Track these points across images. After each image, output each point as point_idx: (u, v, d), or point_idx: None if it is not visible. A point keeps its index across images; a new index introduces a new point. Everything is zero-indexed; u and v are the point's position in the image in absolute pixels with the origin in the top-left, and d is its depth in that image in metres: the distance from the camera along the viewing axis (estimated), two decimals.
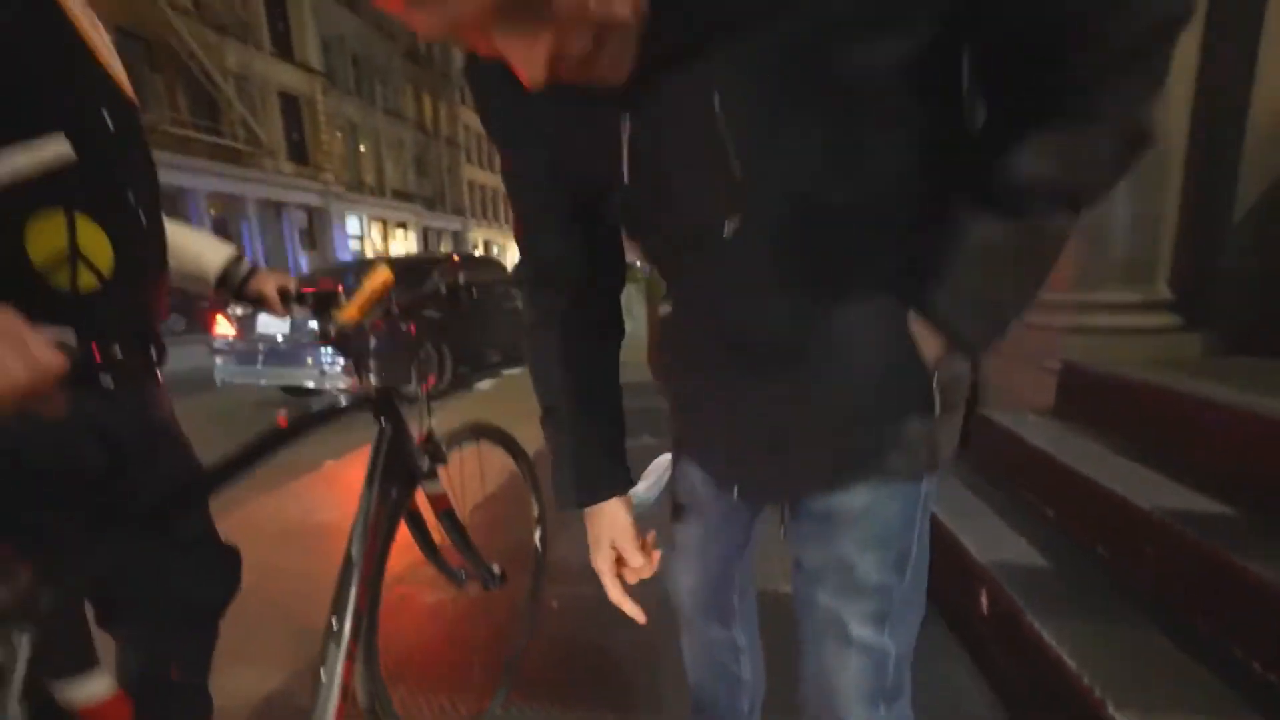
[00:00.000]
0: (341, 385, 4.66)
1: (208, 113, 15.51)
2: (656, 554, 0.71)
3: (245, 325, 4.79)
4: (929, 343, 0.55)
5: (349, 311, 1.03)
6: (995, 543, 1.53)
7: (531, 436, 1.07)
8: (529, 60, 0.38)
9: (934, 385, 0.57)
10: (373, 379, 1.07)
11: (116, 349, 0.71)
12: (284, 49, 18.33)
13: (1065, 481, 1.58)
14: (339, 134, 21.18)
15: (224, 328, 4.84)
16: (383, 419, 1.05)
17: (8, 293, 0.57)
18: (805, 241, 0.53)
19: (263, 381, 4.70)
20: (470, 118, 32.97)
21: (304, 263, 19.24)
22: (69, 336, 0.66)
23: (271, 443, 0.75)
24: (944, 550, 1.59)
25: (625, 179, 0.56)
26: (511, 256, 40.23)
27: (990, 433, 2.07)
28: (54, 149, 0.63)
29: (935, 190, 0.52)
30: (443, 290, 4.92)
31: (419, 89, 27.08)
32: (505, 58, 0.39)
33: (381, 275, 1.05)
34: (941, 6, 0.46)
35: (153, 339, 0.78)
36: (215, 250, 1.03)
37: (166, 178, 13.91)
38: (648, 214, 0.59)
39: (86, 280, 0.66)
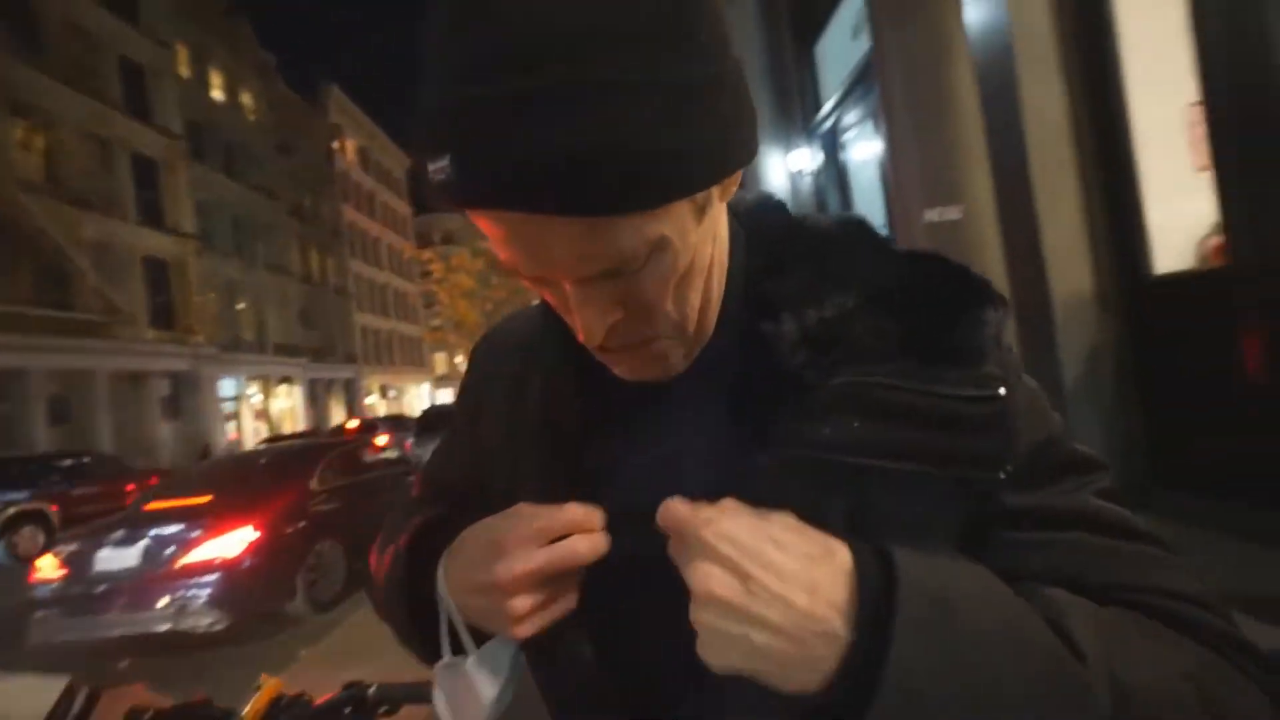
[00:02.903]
0: (206, 622, 3.95)
1: (58, 286, 14.21)
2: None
3: (79, 562, 4.03)
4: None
5: None
6: None
7: None
8: (594, 322, 0.38)
9: None
10: None
11: None
12: (153, 216, 17.65)
13: None
14: (213, 294, 20.13)
15: (48, 570, 4.03)
16: None
17: None
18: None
19: (97, 634, 3.87)
20: (361, 267, 32.89)
21: (167, 434, 17.19)
22: None
23: None
24: None
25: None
26: (408, 399, 38.56)
27: None
28: None
29: None
30: None
31: (306, 244, 26.83)
32: (574, 310, 0.38)
33: (267, 692, 0.86)
34: None
35: None
36: (27, 699, 0.82)
37: None
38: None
39: None
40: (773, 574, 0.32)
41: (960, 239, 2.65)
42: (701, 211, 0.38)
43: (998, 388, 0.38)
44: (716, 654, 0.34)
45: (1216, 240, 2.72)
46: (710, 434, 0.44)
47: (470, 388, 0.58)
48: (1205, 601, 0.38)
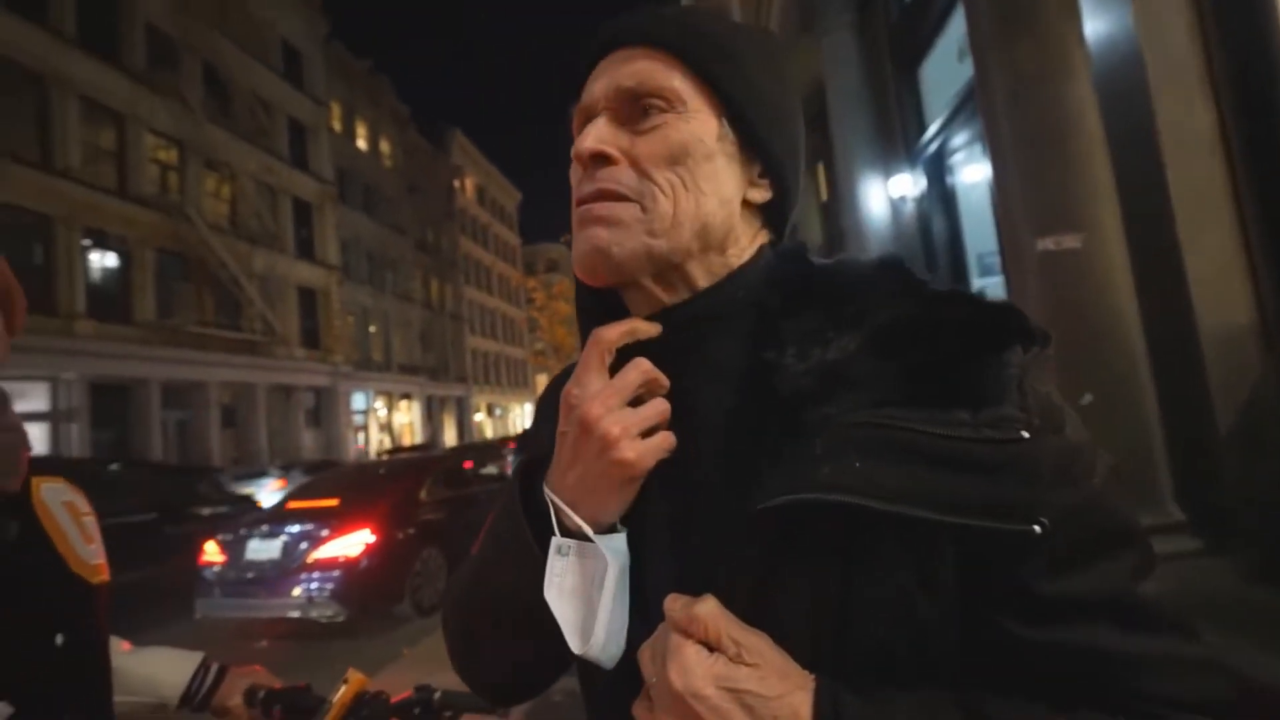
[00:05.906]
0: (329, 613, 4.43)
1: (231, 311, 16.75)
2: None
3: (235, 550, 4.68)
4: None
5: None
6: None
7: None
8: (595, 134, 0.47)
9: None
10: None
11: None
12: (306, 251, 20.32)
13: None
14: (350, 318, 22.64)
15: (213, 554, 4.73)
16: None
17: None
18: None
19: (247, 614, 4.47)
20: (474, 294, 35.51)
21: (309, 440, 19.47)
22: None
23: None
24: None
25: None
26: (513, 418, 40.61)
27: None
28: None
29: None
30: None
31: (427, 274, 29.51)
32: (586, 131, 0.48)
33: (353, 686, 0.99)
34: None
35: None
36: (174, 670, 1.00)
37: (183, 373, 14.71)
38: None
39: None
40: None
41: (1081, 269, 2.40)
42: (718, 141, 0.47)
43: (1018, 430, 0.36)
44: None
45: None
46: (708, 471, 0.44)
47: (533, 424, 0.63)
48: (1207, 709, 0.37)
